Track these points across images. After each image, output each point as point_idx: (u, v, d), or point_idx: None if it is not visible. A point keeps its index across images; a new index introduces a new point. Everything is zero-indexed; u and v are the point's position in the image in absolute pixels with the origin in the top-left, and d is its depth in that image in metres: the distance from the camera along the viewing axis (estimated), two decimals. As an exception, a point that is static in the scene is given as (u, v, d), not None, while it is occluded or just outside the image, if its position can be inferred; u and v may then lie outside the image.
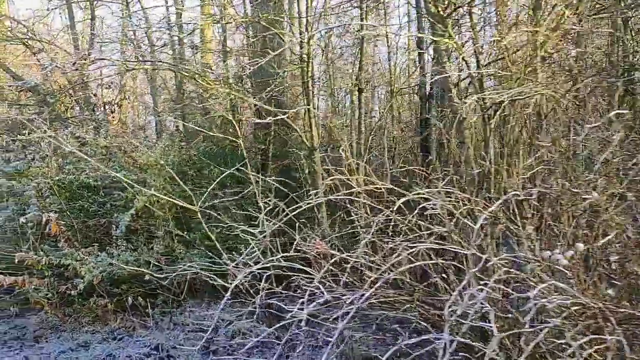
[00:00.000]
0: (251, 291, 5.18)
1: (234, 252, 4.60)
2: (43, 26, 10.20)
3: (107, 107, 8.87)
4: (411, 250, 1.94)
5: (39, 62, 8.17)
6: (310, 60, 4.25)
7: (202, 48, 7.28)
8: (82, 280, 4.20)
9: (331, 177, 2.64)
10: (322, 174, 4.68)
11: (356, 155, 4.71)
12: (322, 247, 2.41)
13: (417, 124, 5.89)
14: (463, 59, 2.90)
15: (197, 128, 4.92)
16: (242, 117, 6.74)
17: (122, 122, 9.11)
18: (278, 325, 2.40)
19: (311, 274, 2.82)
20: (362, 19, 4.62)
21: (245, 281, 2.67)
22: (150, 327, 4.66)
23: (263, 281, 2.67)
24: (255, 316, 4.32)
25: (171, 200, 3.56)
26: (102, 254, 4.42)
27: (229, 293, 2.32)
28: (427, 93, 5.61)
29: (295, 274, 2.92)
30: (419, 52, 5.61)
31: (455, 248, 1.87)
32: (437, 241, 2.03)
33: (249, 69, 5.41)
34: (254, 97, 4.58)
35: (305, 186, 5.10)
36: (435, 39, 3.09)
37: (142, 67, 3.59)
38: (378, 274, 1.95)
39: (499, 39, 2.77)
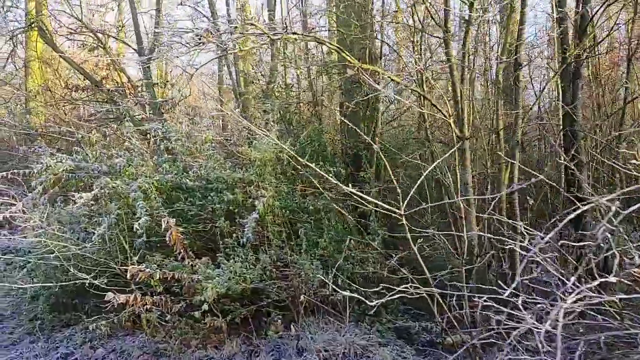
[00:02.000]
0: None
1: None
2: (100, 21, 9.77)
3: (166, 104, 8.34)
4: None
5: (114, 56, 7.67)
6: (470, 28, 3.47)
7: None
8: (201, 298, 3.52)
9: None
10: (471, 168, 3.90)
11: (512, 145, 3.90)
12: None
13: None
14: None
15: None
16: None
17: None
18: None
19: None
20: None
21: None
22: (272, 352, 3.96)
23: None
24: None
25: (378, 205, 2.76)
26: (223, 266, 3.74)
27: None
28: (573, 73, 4.76)
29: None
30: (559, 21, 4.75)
31: None
32: None
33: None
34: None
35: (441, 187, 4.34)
36: None
37: (289, 37, 2.90)
38: None
39: None
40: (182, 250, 3.54)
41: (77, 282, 4.12)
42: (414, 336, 4.14)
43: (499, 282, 3.36)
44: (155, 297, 3.61)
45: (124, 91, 7.58)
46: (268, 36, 2.80)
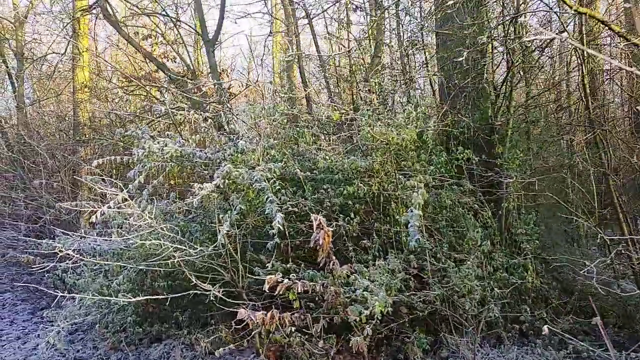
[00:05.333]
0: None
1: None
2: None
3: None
4: None
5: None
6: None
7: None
8: (360, 317, 2.74)
9: None
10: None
11: None
12: None
13: None
14: None
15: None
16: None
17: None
18: None
19: None
20: None
21: None
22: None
23: None
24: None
25: None
26: (371, 276, 2.97)
27: None
28: None
29: None
30: None
31: None
32: None
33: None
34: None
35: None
36: None
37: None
38: None
39: None
40: (330, 257, 2.76)
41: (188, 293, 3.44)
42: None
43: None
44: (294, 314, 2.85)
45: (191, 77, 6.93)
46: None
